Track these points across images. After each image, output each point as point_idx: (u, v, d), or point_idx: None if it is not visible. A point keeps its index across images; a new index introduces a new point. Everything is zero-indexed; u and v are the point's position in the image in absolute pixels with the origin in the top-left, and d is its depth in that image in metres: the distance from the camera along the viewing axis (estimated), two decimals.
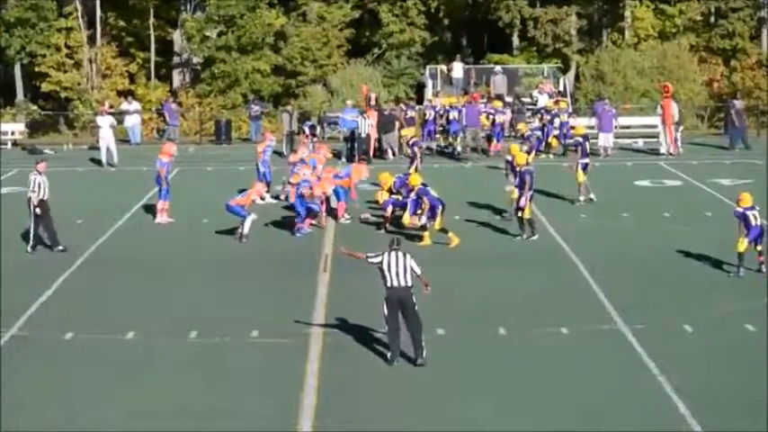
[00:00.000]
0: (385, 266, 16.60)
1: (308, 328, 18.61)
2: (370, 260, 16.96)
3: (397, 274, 16.54)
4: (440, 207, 24.32)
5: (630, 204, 29.13)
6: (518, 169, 25.54)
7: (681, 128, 39.18)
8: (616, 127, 38.99)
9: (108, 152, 37.41)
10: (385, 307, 16.62)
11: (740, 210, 21.54)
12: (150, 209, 28.64)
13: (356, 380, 16.33)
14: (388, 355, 16.80)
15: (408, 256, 16.76)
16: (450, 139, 38.86)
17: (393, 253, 16.71)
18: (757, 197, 27.94)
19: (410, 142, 32.18)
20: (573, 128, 36.66)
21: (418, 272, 16.75)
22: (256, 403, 15.49)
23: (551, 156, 36.75)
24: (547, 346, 17.85)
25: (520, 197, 24.84)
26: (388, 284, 16.58)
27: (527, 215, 24.89)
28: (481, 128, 37.96)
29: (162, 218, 27.40)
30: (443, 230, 24.38)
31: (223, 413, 15.16)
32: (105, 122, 37.76)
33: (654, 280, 21.64)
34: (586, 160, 29.09)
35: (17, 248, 24.54)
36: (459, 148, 37.86)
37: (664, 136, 38.31)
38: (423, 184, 24.98)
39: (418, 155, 30.97)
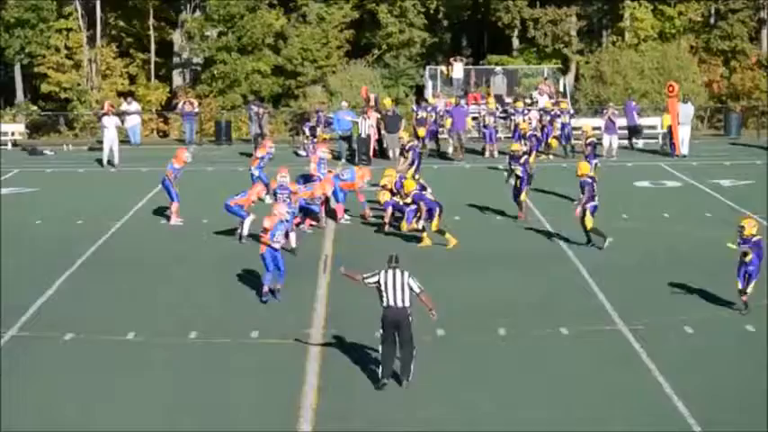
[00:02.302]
0: (382, 285, 15.86)
1: (308, 329, 18.63)
2: (366, 281, 16.18)
3: (395, 294, 15.79)
4: (437, 209, 24.30)
5: (630, 205, 29.11)
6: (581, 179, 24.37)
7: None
8: (620, 127, 38.89)
9: (110, 152, 37.49)
10: (381, 326, 16.05)
11: (758, 237, 19.32)
12: (150, 209, 28.66)
13: (356, 380, 16.32)
14: (379, 373, 16.03)
15: (407, 273, 15.93)
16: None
17: (391, 271, 15.89)
18: (757, 197, 28.09)
19: (407, 146, 31.59)
20: (576, 132, 36.54)
21: (417, 290, 15.92)
22: (256, 403, 15.49)
23: (551, 156, 36.75)
24: (547, 346, 17.85)
25: (583, 205, 24.04)
26: (385, 304, 15.84)
27: (588, 225, 24.10)
28: (465, 129, 37.95)
29: (176, 219, 27.29)
30: (440, 232, 24.34)
31: (223, 413, 15.16)
32: (111, 123, 37.97)
33: (654, 280, 21.61)
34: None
35: (17, 248, 24.53)
36: (450, 150, 37.95)
37: (675, 136, 38.02)
38: (421, 187, 24.93)
39: (418, 159, 30.83)
